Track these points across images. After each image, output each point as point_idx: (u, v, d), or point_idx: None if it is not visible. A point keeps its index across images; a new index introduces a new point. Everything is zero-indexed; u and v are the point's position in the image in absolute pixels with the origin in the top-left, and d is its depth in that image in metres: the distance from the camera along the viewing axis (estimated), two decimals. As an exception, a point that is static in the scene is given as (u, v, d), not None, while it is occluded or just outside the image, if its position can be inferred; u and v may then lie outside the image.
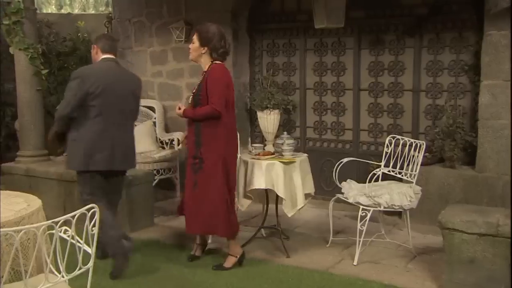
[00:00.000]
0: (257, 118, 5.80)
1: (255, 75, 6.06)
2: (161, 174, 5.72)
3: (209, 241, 4.27)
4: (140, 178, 4.75)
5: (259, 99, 5.64)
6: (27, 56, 5.06)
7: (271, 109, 5.58)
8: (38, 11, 9.87)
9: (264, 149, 4.34)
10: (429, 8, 4.99)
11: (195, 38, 3.76)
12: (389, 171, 4.12)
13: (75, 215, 2.13)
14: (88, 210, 2.20)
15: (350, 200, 4.06)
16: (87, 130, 3.68)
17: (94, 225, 2.25)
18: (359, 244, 3.95)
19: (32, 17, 5.15)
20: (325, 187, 5.70)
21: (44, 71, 5.17)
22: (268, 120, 5.63)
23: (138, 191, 4.72)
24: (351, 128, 5.58)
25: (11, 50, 5.15)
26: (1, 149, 7.98)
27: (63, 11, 10.28)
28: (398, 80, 5.31)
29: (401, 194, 3.96)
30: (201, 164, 3.73)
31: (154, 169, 5.60)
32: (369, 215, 3.92)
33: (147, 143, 5.94)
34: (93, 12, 9.97)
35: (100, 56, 3.84)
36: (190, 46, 3.82)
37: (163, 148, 6.10)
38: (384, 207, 3.96)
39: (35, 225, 2.03)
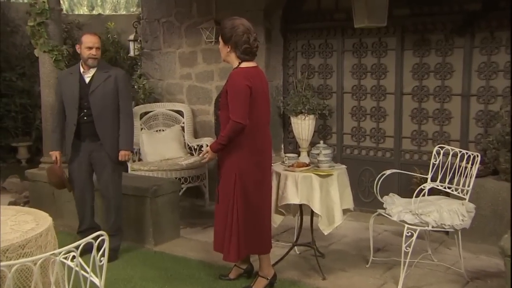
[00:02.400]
0: (290, 124, 5.48)
1: (289, 78, 5.73)
2: (189, 182, 5.43)
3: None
4: (165, 188, 4.46)
5: (293, 103, 5.31)
6: (52, 59, 4.87)
7: (305, 114, 5.25)
8: (70, 13, 9.85)
9: (298, 159, 3.98)
10: (483, 4, 4.53)
11: (220, 36, 3.43)
12: (438, 185, 3.69)
13: (79, 245, 1.84)
14: (95, 238, 1.90)
15: (394, 218, 3.66)
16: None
17: (102, 255, 1.95)
18: (404, 266, 3.55)
19: (57, 18, 4.95)
20: (363, 198, 5.32)
21: (69, 74, 4.95)
22: (303, 126, 5.29)
23: (163, 202, 4.44)
24: (392, 135, 5.19)
25: (36, 52, 4.97)
26: (32, 152, 7.94)
27: (94, 12, 10.19)
28: (445, 83, 4.87)
29: (452, 212, 3.54)
30: (218, 176, 3.43)
31: (182, 177, 5.33)
32: (415, 235, 3.51)
33: (175, 149, 5.67)
34: (124, 12, 9.82)
35: None
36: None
37: (192, 154, 5.82)
38: (433, 227, 3.54)
39: (31, 258, 1.74)
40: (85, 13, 10.10)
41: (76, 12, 10.09)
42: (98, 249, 1.92)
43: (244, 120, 3.23)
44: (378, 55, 5.20)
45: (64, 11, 10.04)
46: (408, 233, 3.52)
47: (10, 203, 5.56)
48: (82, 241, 1.85)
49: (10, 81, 7.67)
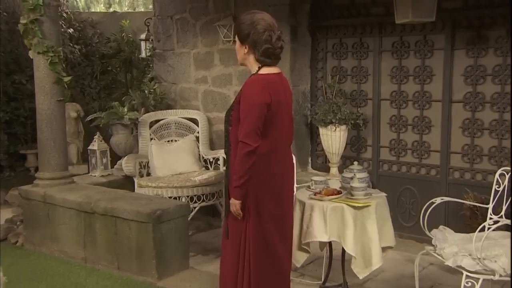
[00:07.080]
0: (319, 135, 4.81)
1: (318, 83, 5.06)
2: (203, 201, 4.79)
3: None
4: (171, 213, 3.82)
5: (322, 112, 4.64)
6: (47, 61, 4.31)
7: (336, 125, 4.60)
8: (86, 10, 9.39)
9: (327, 184, 3.28)
10: (557, -7, 3.76)
11: (236, 33, 2.79)
12: (504, 221, 2.94)
13: None
14: None
15: (449, 263, 2.92)
16: None
17: None
18: (460, 324, 2.82)
19: (54, 15, 4.39)
20: (403, 222, 4.61)
21: (66, 79, 4.39)
22: (333, 138, 4.62)
23: (169, 229, 3.81)
24: (439, 150, 4.47)
25: (30, 54, 4.42)
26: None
27: (111, 10, 9.69)
28: (505, 89, 4.11)
29: (525, 257, 2.78)
30: (228, 206, 2.77)
31: (195, 195, 4.70)
32: (478, 286, 2.77)
33: (188, 162, 5.04)
34: (142, 10, 9.29)
35: None
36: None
37: (207, 168, 5.17)
38: (501, 276, 2.79)
39: None
40: (102, 10, 9.62)
41: (93, 10, 9.60)
42: None
43: (254, 141, 2.58)
44: (422, 56, 4.48)
45: (80, 9, 9.61)
46: (467, 283, 2.80)
47: (7, 221, 5.05)
48: None
49: (20, 84, 7.19)
